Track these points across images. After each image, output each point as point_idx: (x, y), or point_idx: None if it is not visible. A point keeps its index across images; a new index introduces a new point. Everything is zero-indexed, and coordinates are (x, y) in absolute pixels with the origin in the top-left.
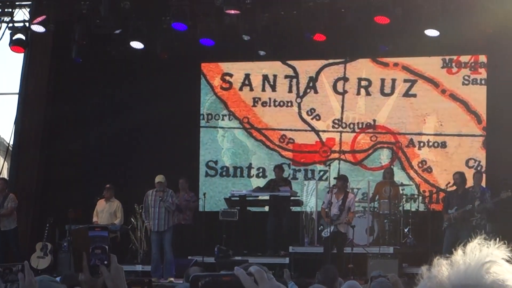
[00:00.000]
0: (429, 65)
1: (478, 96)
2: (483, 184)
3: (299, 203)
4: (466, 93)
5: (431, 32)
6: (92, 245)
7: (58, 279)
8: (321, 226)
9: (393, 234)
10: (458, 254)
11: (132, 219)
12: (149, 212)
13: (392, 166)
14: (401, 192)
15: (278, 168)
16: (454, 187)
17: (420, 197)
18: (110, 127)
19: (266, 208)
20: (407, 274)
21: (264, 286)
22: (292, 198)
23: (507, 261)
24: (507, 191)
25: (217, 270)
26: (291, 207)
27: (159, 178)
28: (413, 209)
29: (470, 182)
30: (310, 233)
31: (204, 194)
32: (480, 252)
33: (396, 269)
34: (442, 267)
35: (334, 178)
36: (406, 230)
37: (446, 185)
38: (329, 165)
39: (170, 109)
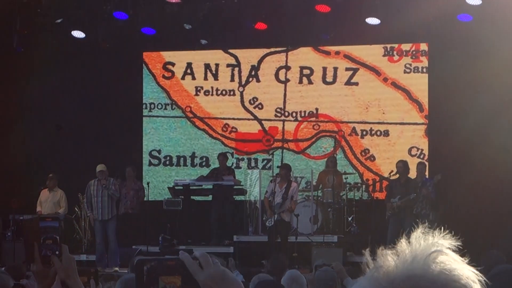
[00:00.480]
0: (371, 53)
1: (419, 84)
2: (427, 174)
3: (242, 192)
4: (408, 81)
5: (372, 21)
6: (43, 236)
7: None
8: (265, 216)
9: (337, 223)
10: (404, 244)
11: (76, 209)
12: (92, 202)
13: (335, 155)
14: (344, 180)
15: (223, 156)
16: (397, 176)
17: (364, 186)
18: (53, 116)
19: (210, 197)
20: (352, 263)
21: (209, 270)
22: (235, 187)
23: (453, 250)
24: (438, 174)
25: None
26: (234, 196)
27: (100, 167)
28: (356, 198)
29: (413, 171)
30: (254, 222)
31: (148, 183)
32: (425, 242)
33: (341, 258)
34: (388, 257)
35: (278, 167)
36: (350, 219)
37: (389, 173)
38: (272, 154)
39: (112, 99)
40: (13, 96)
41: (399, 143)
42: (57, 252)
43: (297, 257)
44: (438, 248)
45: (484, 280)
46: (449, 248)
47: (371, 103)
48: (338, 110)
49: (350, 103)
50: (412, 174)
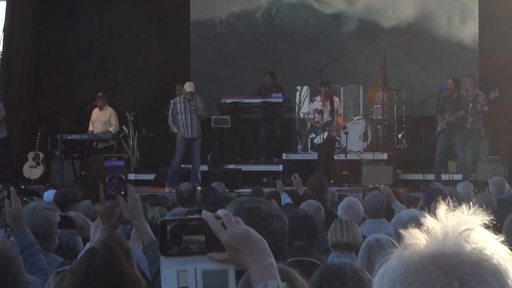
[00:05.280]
0: None
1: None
2: (477, 89)
3: (292, 109)
4: None
5: None
6: (108, 175)
7: (50, 192)
8: (312, 134)
9: (387, 140)
10: (433, 222)
11: (123, 127)
12: (178, 119)
13: (384, 70)
14: (394, 97)
15: (269, 74)
16: (448, 92)
17: (414, 102)
18: (99, 33)
19: (259, 115)
20: (402, 181)
21: (232, 230)
22: (284, 104)
23: (485, 227)
24: (495, 91)
25: (210, 178)
26: (283, 113)
27: (189, 88)
28: (406, 114)
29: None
30: (303, 140)
31: None
32: (457, 219)
33: (391, 176)
34: (417, 236)
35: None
36: (400, 136)
37: (440, 89)
38: (321, 70)
39: (158, 15)
40: (57, 10)
41: None
42: (122, 192)
43: (347, 175)
44: (470, 226)
45: None
46: (481, 225)
47: None
48: None
49: None
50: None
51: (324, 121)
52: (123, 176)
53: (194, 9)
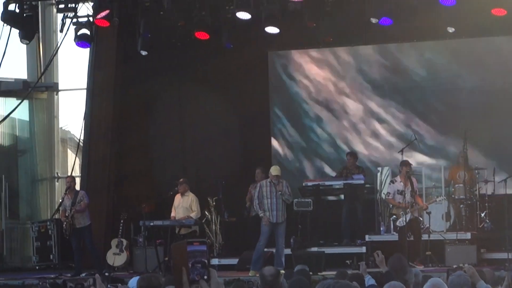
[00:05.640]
0: None
1: None
2: None
3: (373, 190)
4: None
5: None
6: (191, 260)
7: (134, 280)
8: (393, 216)
9: (470, 219)
10: None
11: (206, 212)
12: (264, 203)
13: (465, 150)
14: (476, 176)
15: (350, 155)
16: None
17: (496, 180)
18: (179, 118)
19: (341, 197)
20: (486, 260)
21: None
22: (366, 185)
23: None
24: None
25: (293, 261)
26: (365, 195)
27: (276, 171)
28: (489, 193)
29: None
30: (385, 221)
31: None
32: None
33: (475, 255)
34: None
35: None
36: (483, 215)
37: None
38: (402, 151)
39: (238, 99)
40: (139, 99)
41: None
42: (205, 277)
43: (431, 256)
44: None
45: None
46: None
47: None
48: None
49: None
50: None
51: (406, 202)
52: (206, 261)
53: (273, 93)
